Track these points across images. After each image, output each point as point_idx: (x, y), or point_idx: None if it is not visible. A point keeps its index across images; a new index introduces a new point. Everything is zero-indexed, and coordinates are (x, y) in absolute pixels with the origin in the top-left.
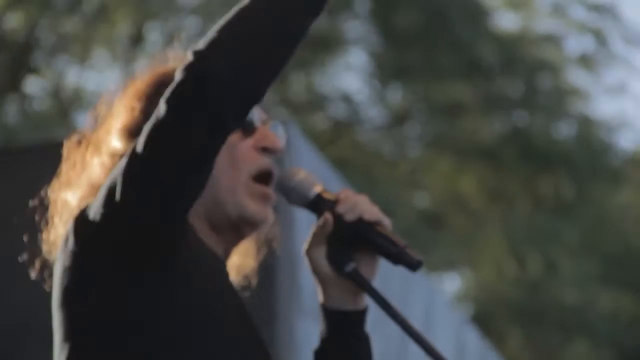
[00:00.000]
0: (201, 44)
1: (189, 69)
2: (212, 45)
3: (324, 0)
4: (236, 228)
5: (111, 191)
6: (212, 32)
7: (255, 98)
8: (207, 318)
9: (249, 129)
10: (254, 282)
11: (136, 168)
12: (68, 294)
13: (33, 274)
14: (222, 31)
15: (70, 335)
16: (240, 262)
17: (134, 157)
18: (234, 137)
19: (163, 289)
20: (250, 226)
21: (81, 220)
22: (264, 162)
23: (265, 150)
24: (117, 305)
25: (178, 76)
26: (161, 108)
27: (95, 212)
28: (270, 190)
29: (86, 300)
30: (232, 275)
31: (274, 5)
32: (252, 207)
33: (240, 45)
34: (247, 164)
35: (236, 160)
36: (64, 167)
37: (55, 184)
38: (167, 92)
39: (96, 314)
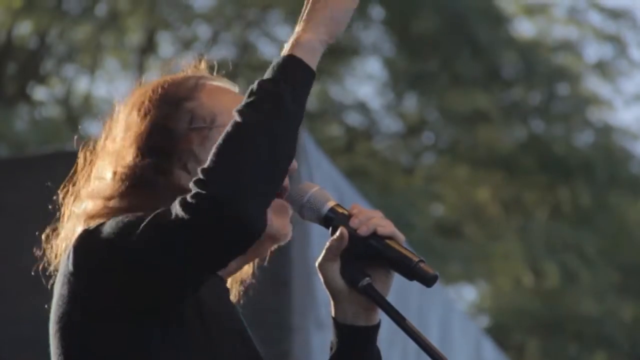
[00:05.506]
0: (208, 166)
1: (201, 195)
2: (218, 169)
3: (303, 107)
4: (259, 244)
5: (138, 236)
6: (214, 156)
7: (268, 200)
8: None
9: None
10: (254, 286)
11: (168, 237)
12: (64, 321)
13: (47, 284)
14: (224, 156)
15: None
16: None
17: (170, 225)
18: None
19: (158, 330)
20: (272, 240)
21: (87, 243)
22: None
23: None
24: (112, 342)
25: (191, 198)
26: (179, 214)
27: (109, 247)
28: (286, 203)
29: (82, 331)
30: (231, 285)
31: (264, 128)
32: (277, 223)
33: (243, 166)
34: None
35: None
36: (74, 179)
37: (63, 194)
38: (182, 206)
39: (91, 347)
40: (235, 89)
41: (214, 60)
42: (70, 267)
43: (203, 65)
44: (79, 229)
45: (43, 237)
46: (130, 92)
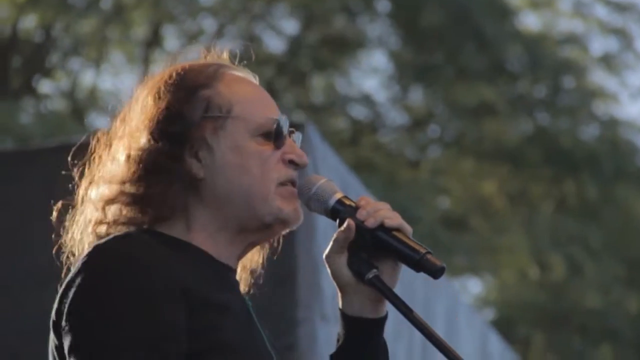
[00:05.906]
0: None
1: None
2: None
3: None
4: (268, 228)
5: None
6: None
7: None
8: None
9: (279, 141)
10: (261, 277)
11: None
12: (60, 329)
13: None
14: None
15: None
16: (248, 258)
17: None
18: (266, 148)
19: None
20: (283, 225)
21: (89, 285)
22: (290, 172)
23: (291, 162)
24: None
25: None
26: None
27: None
28: (295, 190)
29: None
30: (239, 273)
31: None
32: (288, 209)
33: None
34: (276, 173)
35: (267, 171)
36: (89, 164)
37: (80, 180)
38: None
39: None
40: (255, 80)
41: (236, 50)
42: (65, 290)
43: (225, 54)
44: (96, 215)
45: (55, 215)
46: (144, 78)
